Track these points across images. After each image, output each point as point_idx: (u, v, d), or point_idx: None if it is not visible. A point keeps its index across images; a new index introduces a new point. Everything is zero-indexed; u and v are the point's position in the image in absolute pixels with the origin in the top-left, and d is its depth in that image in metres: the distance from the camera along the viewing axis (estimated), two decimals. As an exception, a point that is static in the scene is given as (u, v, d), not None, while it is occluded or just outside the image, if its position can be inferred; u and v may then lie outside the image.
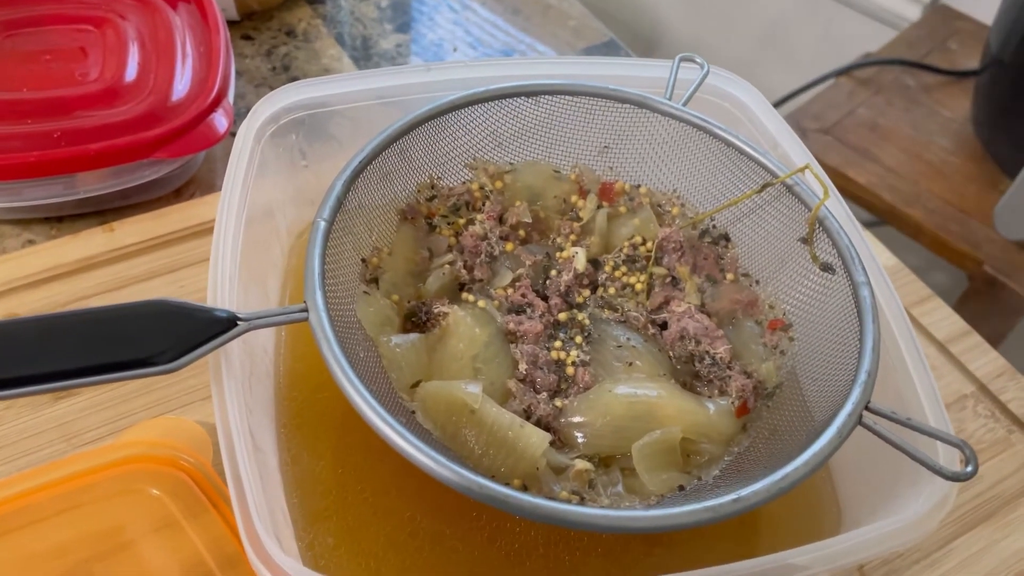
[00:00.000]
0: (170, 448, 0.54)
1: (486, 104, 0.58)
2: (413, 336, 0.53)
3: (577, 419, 0.51)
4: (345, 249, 0.52)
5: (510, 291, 0.57)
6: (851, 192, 1.27)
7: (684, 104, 0.60)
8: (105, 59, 0.78)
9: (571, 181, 0.62)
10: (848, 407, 0.45)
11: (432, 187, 0.60)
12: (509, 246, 0.59)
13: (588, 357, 0.54)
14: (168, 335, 0.43)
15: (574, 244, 0.60)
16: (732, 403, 0.52)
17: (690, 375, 0.55)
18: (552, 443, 0.49)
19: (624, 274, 0.59)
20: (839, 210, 0.56)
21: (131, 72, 0.77)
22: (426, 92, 0.61)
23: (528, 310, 0.56)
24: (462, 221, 0.60)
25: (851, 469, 0.56)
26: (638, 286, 0.58)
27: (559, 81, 0.60)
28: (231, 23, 0.96)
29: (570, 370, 0.54)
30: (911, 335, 0.52)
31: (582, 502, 0.48)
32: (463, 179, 0.61)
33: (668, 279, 0.58)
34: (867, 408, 0.45)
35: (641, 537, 0.52)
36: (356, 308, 0.52)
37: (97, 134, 0.71)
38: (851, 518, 0.55)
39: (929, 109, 1.36)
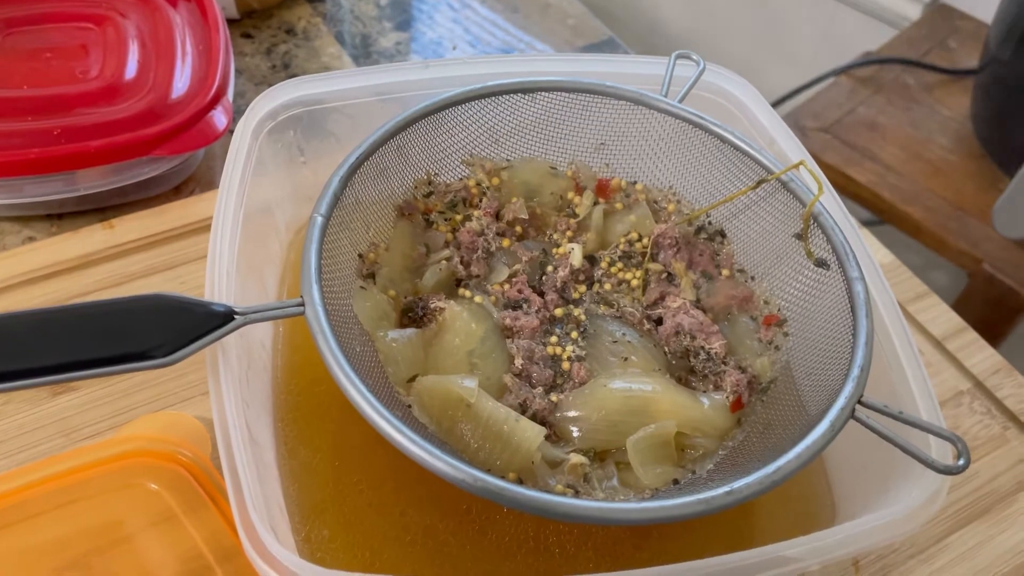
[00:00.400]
0: (168, 443, 0.54)
1: (483, 101, 0.59)
2: (409, 331, 0.53)
3: (572, 413, 0.51)
4: (342, 244, 0.53)
5: (506, 287, 0.57)
6: (851, 191, 1.27)
7: (680, 101, 0.60)
8: (105, 57, 0.79)
9: (567, 178, 0.62)
10: (841, 401, 0.45)
11: (429, 183, 0.60)
12: (506, 242, 0.59)
13: (584, 352, 0.55)
14: (165, 329, 0.43)
15: (570, 240, 0.60)
16: (727, 398, 0.52)
17: (685, 370, 0.55)
18: (547, 437, 0.50)
19: (620, 270, 0.59)
20: (834, 206, 0.56)
21: (131, 70, 0.77)
22: (424, 89, 0.62)
23: (524, 306, 0.56)
24: (459, 217, 0.60)
25: (846, 463, 0.57)
26: (634, 282, 0.58)
27: (556, 78, 0.60)
28: (231, 21, 0.97)
29: (566, 365, 0.54)
30: (905, 330, 0.52)
31: (577, 495, 0.48)
32: (460, 175, 0.61)
33: (664, 275, 0.59)
34: (860, 402, 0.45)
35: (634, 530, 0.52)
36: (353, 303, 0.52)
37: (97, 131, 0.71)
38: (845, 512, 0.55)
39: (929, 108, 1.36)
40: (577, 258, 0.58)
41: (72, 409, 0.61)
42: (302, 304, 0.46)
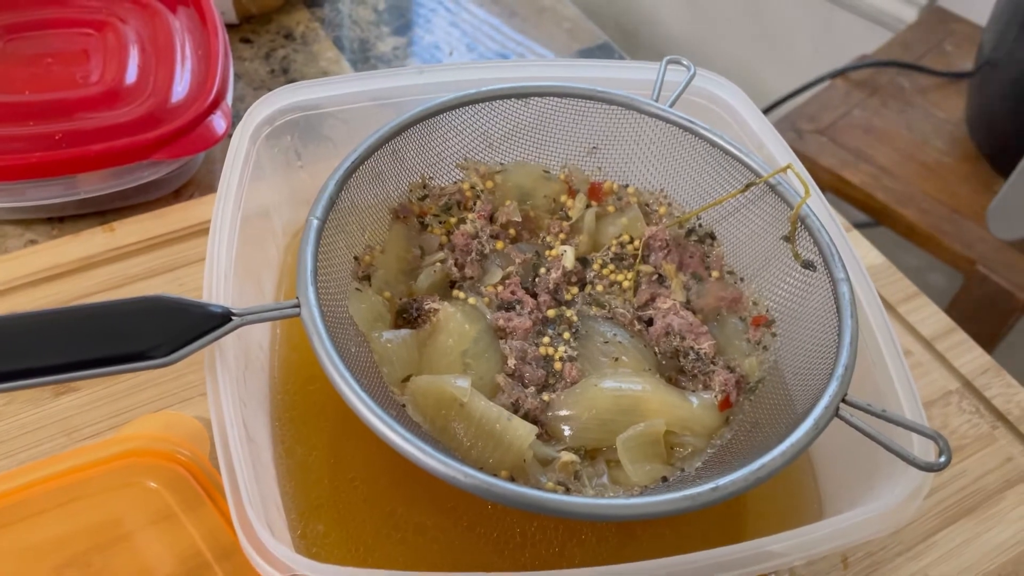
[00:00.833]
0: (168, 442, 0.55)
1: (477, 105, 0.60)
2: (404, 332, 0.54)
3: (564, 412, 0.52)
4: (338, 247, 0.54)
5: (500, 288, 0.58)
6: (846, 193, 1.28)
7: (671, 105, 0.61)
8: (106, 62, 0.80)
9: (560, 181, 0.63)
10: (825, 400, 0.46)
11: (424, 187, 0.61)
12: (499, 244, 0.60)
13: (575, 353, 0.56)
14: (164, 330, 0.44)
15: (563, 243, 0.61)
16: (715, 397, 0.53)
17: (675, 370, 0.56)
18: (539, 436, 0.51)
19: (612, 272, 0.60)
20: (821, 209, 0.57)
21: (131, 75, 0.78)
22: (419, 94, 0.62)
23: (517, 307, 0.57)
24: (453, 220, 0.61)
25: (832, 462, 0.58)
26: (625, 283, 0.59)
27: (549, 83, 0.61)
28: (230, 27, 0.97)
29: (558, 365, 0.55)
30: (889, 330, 0.53)
31: (567, 493, 0.49)
32: (454, 179, 0.62)
33: (655, 277, 0.60)
34: (844, 401, 0.46)
35: (620, 529, 0.53)
36: (348, 304, 0.53)
37: (98, 136, 0.72)
38: (833, 510, 0.56)
39: (924, 110, 1.37)
40: (570, 260, 0.59)
41: (73, 409, 0.62)
42: (298, 305, 0.47)
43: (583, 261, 0.61)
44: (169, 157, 0.74)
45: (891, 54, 1.44)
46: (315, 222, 0.50)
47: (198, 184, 0.81)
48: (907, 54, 1.44)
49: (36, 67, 0.79)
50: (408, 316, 0.56)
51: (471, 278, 0.59)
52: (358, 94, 0.63)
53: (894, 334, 0.53)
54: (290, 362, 0.59)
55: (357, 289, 0.54)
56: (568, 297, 0.59)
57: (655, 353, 0.56)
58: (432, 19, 1.07)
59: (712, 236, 0.61)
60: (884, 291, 0.77)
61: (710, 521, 0.54)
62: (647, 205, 0.63)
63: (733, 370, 0.55)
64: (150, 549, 0.51)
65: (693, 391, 0.54)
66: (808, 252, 0.54)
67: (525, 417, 0.51)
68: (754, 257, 0.59)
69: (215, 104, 0.77)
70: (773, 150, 0.62)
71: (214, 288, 0.50)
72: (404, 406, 0.51)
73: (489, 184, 0.62)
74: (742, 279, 0.60)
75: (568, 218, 0.62)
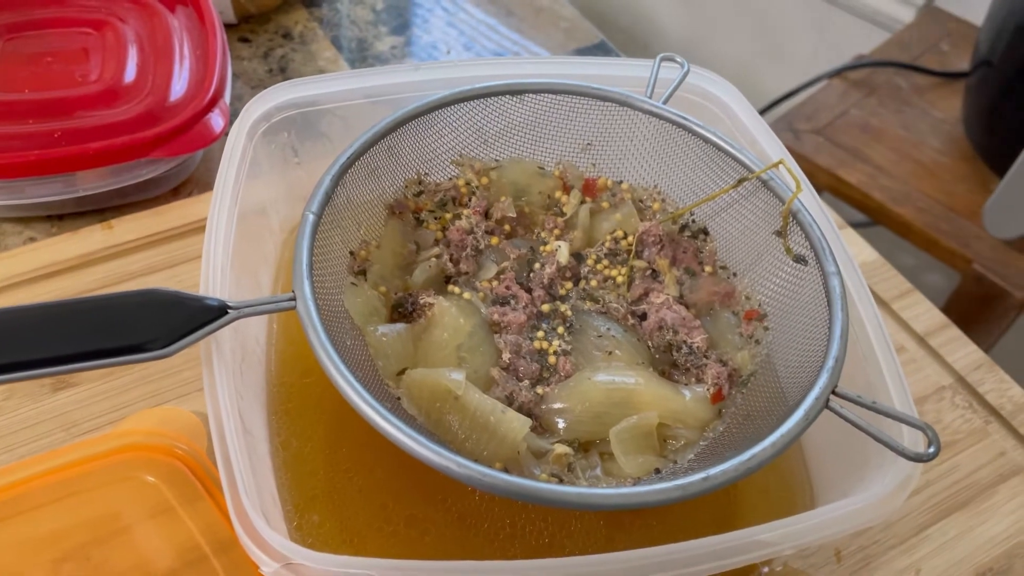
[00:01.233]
0: (166, 437, 0.55)
1: (472, 102, 0.60)
2: (399, 326, 0.55)
3: (558, 405, 0.53)
4: (334, 242, 0.54)
5: (495, 283, 0.58)
6: (843, 192, 1.29)
7: (664, 102, 0.61)
8: (104, 61, 0.80)
9: (555, 177, 0.64)
10: (815, 391, 0.46)
11: (419, 183, 0.61)
12: (494, 240, 0.60)
13: (570, 347, 0.56)
14: (160, 323, 0.45)
15: (558, 238, 0.62)
16: (708, 390, 0.54)
17: (668, 364, 0.56)
18: (533, 428, 0.51)
19: (606, 267, 0.60)
20: (812, 204, 0.57)
21: (130, 73, 0.79)
22: (414, 91, 0.63)
23: (512, 301, 0.57)
24: (449, 216, 0.61)
25: (825, 454, 0.58)
26: (619, 278, 0.60)
27: (543, 80, 0.61)
28: (229, 26, 0.98)
29: (552, 359, 0.55)
30: (880, 324, 0.54)
31: (561, 484, 0.49)
32: (450, 175, 0.62)
33: (648, 272, 0.60)
34: (834, 392, 0.46)
35: (609, 520, 0.53)
36: (344, 298, 0.53)
37: (96, 134, 0.73)
38: (824, 502, 0.56)
39: (920, 110, 1.37)
40: (564, 255, 0.60)
41: (72, 404, 0.62)
42: (293, 299, 0.47)
43: (577, 256, 0.61)
44: (167, 155, 0.74)
45: (888, 54, 1.45)
46: (311, 217, 0.51)
47: (196, 182, 0.81)
48: (904, 54, 1.45)
49: (36, 66, 0.80)
50: (404, 310, 0.56)
51: (466, 273, 0.59)
52: (354, 91, 0.63)
53: (884, 328, 0.53)
54: (287, 355, 0.59)
55: (353, 284, 0.55)
56: (562, 292, 0.59)
57: (648, 347, 0.57)
58: (430, 19, 1.08)
59: (705, 231, 0.62)
60: (878, 287, 0.77)
61: (703, 513, 0.54)
62: (641, 201, 0.64)
63: (725, 363, 0.55)
64: (148, 543, 0.51)
65: (686, 384, 0.55)
66: (800, 247, 0.55)
67: (519, 410, 0.52)
68: (747, 252, 0.59)
69: (213, 102, 0.77)
70: (766, 146, 0.63)
71: (211, 282, 0.50)
72: (399, 399, 0.51)
73: (484, 180, 0.63)
74: (735, 274, 0.60)
75: (563, 214, 0.63)
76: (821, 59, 1.66)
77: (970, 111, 1.31)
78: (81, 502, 0.53)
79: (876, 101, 1.38)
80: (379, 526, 0.51)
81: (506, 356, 0.54)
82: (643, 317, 0.58)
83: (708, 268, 0.60)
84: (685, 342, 0.56)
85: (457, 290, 0.58)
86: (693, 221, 0.62)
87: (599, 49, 1.06)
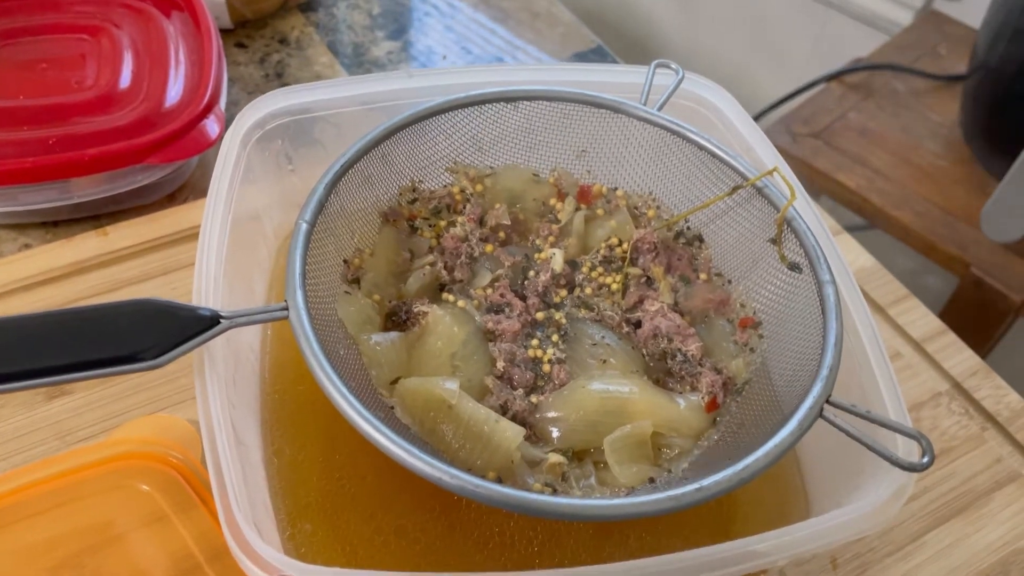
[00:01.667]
0: (160, 445, 0.55)
1: (466, 109, 0.60)
2: (393, 334, 0.54)
3: (552, 414, 0.53)
4: (327, 250, 0.54)
5: (489, 291, 0.58)
6: (841, 196, 1.29)
7: (659, 109, 0.61)
8: (100, 67, 0.80)
9: (550, 184, 0.64)
10: (809, 401, 0.46)
11: (414, 190, 0.61)
12: (489, 248, 0.60)
13: (564, 355, 0.56)
14: (153, 333, 0.45)
15: (552, 246, 0.62)
16: (702, 399, 0.54)
17: (662, 372, 0.56)
18: (527, 438, 0.51)
19: (600, 274, 0.60)
20: (807, 211, 0.57)
21: (125, 79, 0.79)
22: (409, 98, 0.63)
23: (506, 309, 0.57)
24: (443, 223, 0.61)
25: (819, 464, 0.58)
26: (614, 286, 0.60)
27: (537, 87, 0.61)
28: (225, 31, 0.98)
29: (546, 367, 0.55)
30: (875, 332, 0.54)
31: (555, 494, 0.49)
32: (444, 183, 0.62)
33: (643, 279, 0.60)
34: (828, 402, 0.46)
35: (599, 531, 0.53)
36: (337, 307, 0.53)
37: (92, 140, 0.73)
38: (819, 512, 0.56)
39: (918, 113, 1.37)
40: (559, 263, 0.60)
41: (66, 413, 0.62)
42: (286, 308, 0.47)
43: (572, 264, 0.61)
44: (163, 161, 0.74)
45: (886, 57, 1.45)
46: (304, 226, 0.50)
47: (192, 188, 0.81)
48: (902, 57, 1.44)
49: (31, 72, 0.80)
50: (397, 319, 0.56)
51: (460, 281, 0.59)
52: (348, 98, 0.63)
53: (879, 336, 0.53)
54: (281, 363, 0.59)
55: (346, 292, 0.55)
56: (557, 300, 0.59)
57: (643, 355, 0.57)
58: (427, 23, 1.08)
59: (700, 239, 0.62)
60: (874, 293, 0.77)
61: (696, 523, 0.54)
62: (636, 208, 0.63)
63: (720, 372, 0.55)
64: (142, 551, 0.51)
65: (680, 393, 0.55)
66: (794, 254, 0.55)
67: (513, 419, 0.52)
68: (741, 260, 0.59)
69: (208, 108, 0.77)
70: (761, 153, 0.63)
71: (204, 291, 0.50)
72: (393, 408, 0.51)
73: (479, 187, 0.62)
74: (729, 281, 0.60)
75: (557, 221, 0.63)
76: (819, 62, 1.66)
77: (968, 115, 1.31)
78: (75, 510, 0.53)
79: (874, 104, 1.38)
80: (370, 536, 0.51)
81: (500, 364, 0.54)
82: (638, 325, 0.58)
83: (703, 275, 0.60)
84: (680, 350, 0.56)
85: (451, 298, 0.58)
86: (688, 228, 0.62)
87: (596, 53, 1.05)
